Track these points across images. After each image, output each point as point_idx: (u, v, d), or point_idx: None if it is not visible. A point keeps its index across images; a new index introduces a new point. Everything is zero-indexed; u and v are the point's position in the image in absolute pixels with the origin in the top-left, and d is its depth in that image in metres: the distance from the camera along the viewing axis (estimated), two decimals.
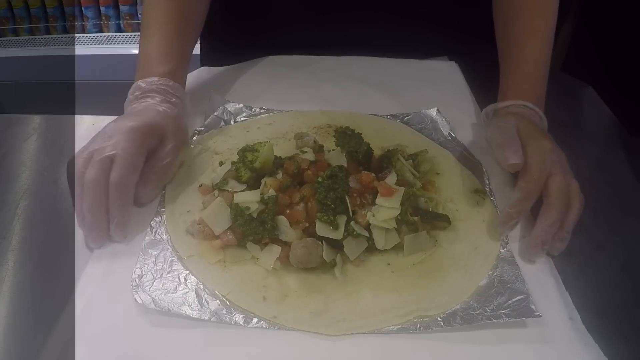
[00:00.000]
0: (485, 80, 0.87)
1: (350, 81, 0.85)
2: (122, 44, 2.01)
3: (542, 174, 0.58)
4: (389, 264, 0.55)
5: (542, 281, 0.53)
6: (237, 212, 0.55)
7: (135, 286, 0.50)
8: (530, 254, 0.56)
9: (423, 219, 0.57)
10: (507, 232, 0.58)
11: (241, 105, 0.78)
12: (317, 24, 0.88)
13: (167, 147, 0.61)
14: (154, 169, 0.60)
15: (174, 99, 0.66)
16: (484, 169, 0.67)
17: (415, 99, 0.81)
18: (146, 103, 0.64)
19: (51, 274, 0.54)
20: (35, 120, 0.77)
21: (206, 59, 0.98)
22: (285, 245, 0.54)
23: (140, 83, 0.66)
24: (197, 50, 0.99)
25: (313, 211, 0.55)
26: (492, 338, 0.48)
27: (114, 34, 2.06)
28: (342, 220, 0.54)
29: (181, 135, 0.65)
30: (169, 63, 0.69)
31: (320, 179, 0.56)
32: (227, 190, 0.58)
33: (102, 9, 2.03)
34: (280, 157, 0.62)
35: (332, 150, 0.65)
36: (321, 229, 0.53)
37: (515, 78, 0.71)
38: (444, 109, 0.77)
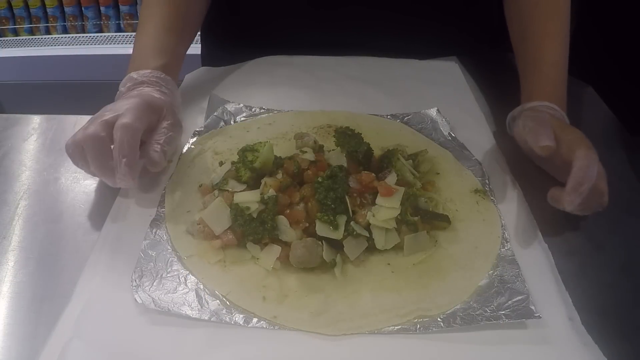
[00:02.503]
0: (485, 80, 0.87)
1: (350, 81, 0.85)
2: (122, 44, 2.01)
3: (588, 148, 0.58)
4: (389, 264, 0.55)
5: (542, 281, 0.53)
6: (237, 212, 0.55)
7: (135, 286, 0.50)
8: (567, 202, 0.56)
9: (423, 219, 0.57)
10: (577, 201, 0.56)
11: (241, 105, 0.78)
12: (319, 21, 0.87)
13: (166, 122, 0.62)
14: (159, 140, 0.61)
15: (166, 90, 0.67)
16: (484, 169, 0.67)
17: (415, 99, 0.81)
18: (139, 91, 0.65)
19: (51, 274, 0.54)
20: (35, 120, 0.77)
21: (207, 59, 0.98)
22: (285, 245, 0.54)
23: (133, 75, 0.67)
24: (197, 50, 1.00)
25: (313, 211, 0.55)
26: (491, 338, 0.48)
27: (114, 34, 2.06)
28: (342, 220, 0.54)
29: (177, 118, 0.66)
30: (161, 58, 0.70)
31: (320, 179, 0.56)
32: (227, 190, 0.58)
33: (102, 9, 2.03)
34: (280, 157, 0.62)
35: (332, 150, 0.65)
36: (321, 229, 0.53)
37: (538, 80, 0.71)
38: (444, 109, 0.77)
